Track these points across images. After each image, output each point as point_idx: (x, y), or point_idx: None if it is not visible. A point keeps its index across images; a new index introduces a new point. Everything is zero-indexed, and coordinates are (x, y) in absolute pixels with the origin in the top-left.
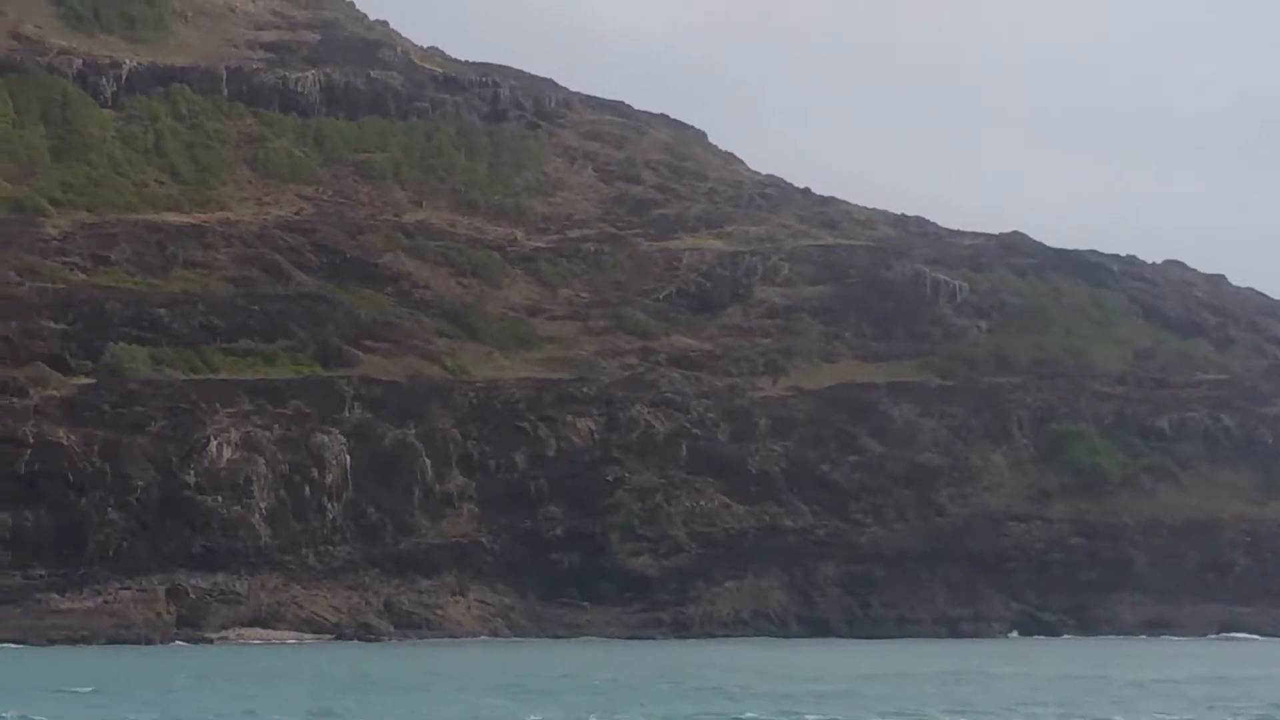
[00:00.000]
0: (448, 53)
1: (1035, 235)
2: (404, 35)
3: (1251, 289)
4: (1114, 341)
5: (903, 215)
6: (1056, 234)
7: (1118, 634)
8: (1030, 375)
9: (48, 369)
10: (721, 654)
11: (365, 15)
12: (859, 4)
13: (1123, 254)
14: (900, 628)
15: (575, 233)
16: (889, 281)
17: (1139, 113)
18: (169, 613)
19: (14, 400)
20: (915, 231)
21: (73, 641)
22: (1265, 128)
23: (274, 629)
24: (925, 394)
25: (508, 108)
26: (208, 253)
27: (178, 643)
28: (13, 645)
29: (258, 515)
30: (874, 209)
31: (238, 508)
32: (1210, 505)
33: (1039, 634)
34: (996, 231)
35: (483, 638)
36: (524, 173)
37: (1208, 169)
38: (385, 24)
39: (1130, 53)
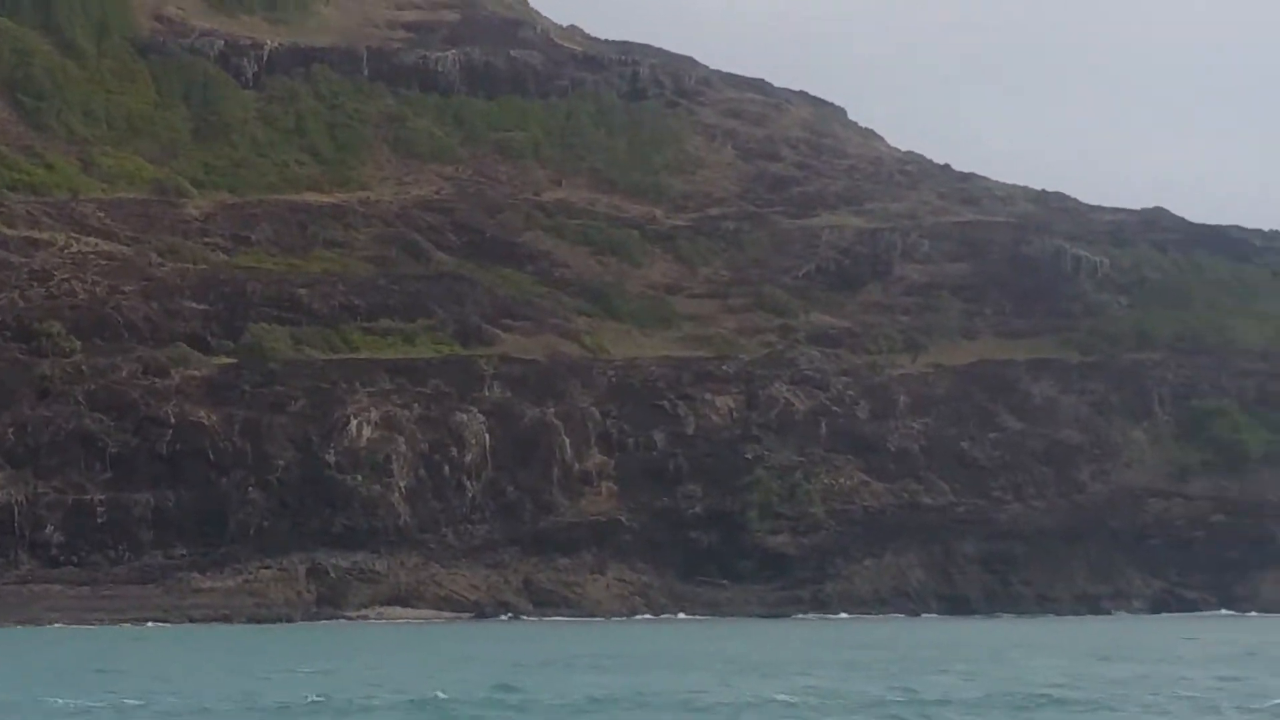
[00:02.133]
0: (587, 31)
1: (1177, 210)
2: (543, 14)
3: None
4: (1257, 317)
5: (1043, 191)
6: (1198, 209)
7: (1260, 611)
8: (1172, 351)
9: (189, 349)
10: (895, 631)
11: None
12: None
13: (1266, 229)
14: (1040, 605)
15: (715, 210)
16: (1029, 258)
17: None
18: (309, 592)
19: (156, 380)
20: (1056, 207)
21: (213, 620)
22: None
23: (413, 607)
24: (1066, 371)
25: (647, 86)
26: (348, 232)
27: (320, 621)
28: (154, 625)
29: (397, 494)
30: (1014, 185)
31: (377, 487)
32: None
33: (1178, 611)
34: (1138, 207)
35: (621, 617)
36: (663, 151)
37: None
38: (525, 3)
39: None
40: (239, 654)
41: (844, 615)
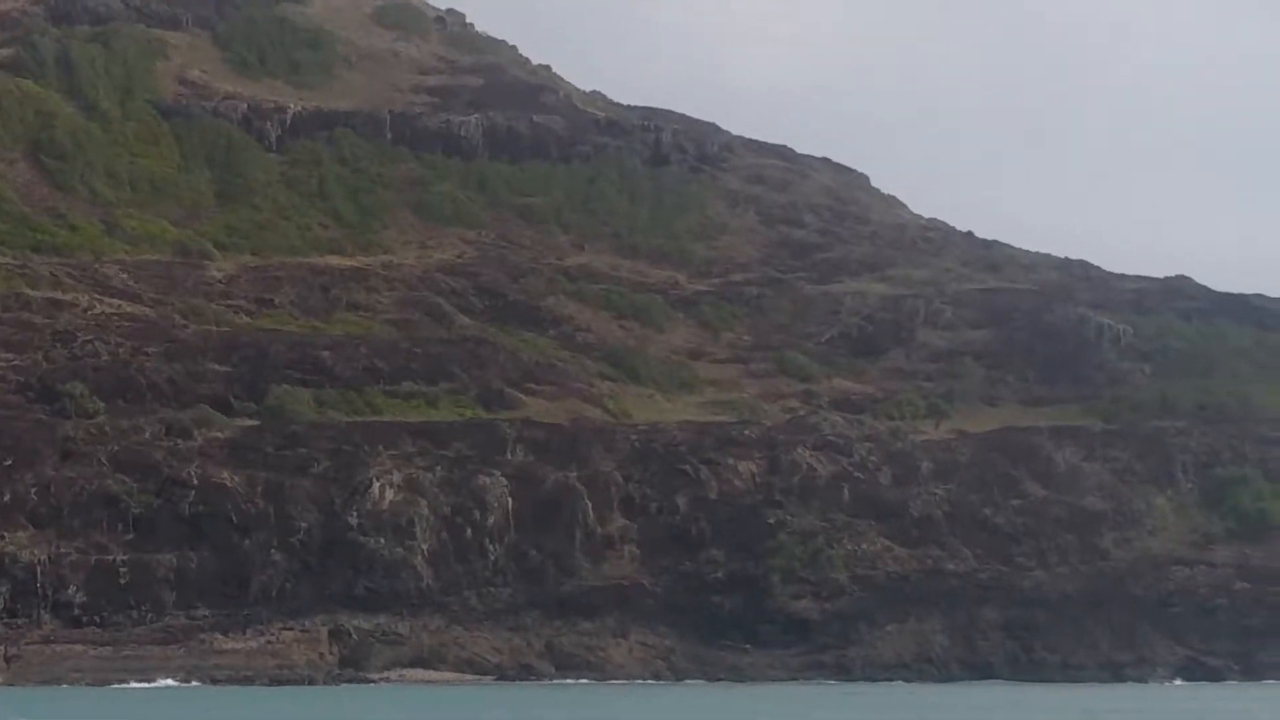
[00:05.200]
0: (610, 97)
1: (1200, 279)
2: (566, 79)
3: None
4: None
5: (1066, 259)
6: (1222, 277)
7: None
8: (1195, 420)
9: (212, 411)
10: (935, 697)
11: (528, 60)
12: (1015, 51)
13: None
14: (1063, 672)
15: (737, 276)
16: (1052, 325)
17: None
18: (331, 653)
19: (178, 442)
20: (1079, 275)
21: (235, 682)
22: None
23: (436, 669)
24: (1089, 438)
25: (670, 152)
26: (370, 296)
27: (342, 684)
28: (176, 685)
29: (420, 557)
30: (1037, 252)
31: (400, 549)
32: None
33: (1202, 679)
34: (1161, 275)
35: (644, 681)
36: (686, 216)
37: None
38: (548, 68)
39: None
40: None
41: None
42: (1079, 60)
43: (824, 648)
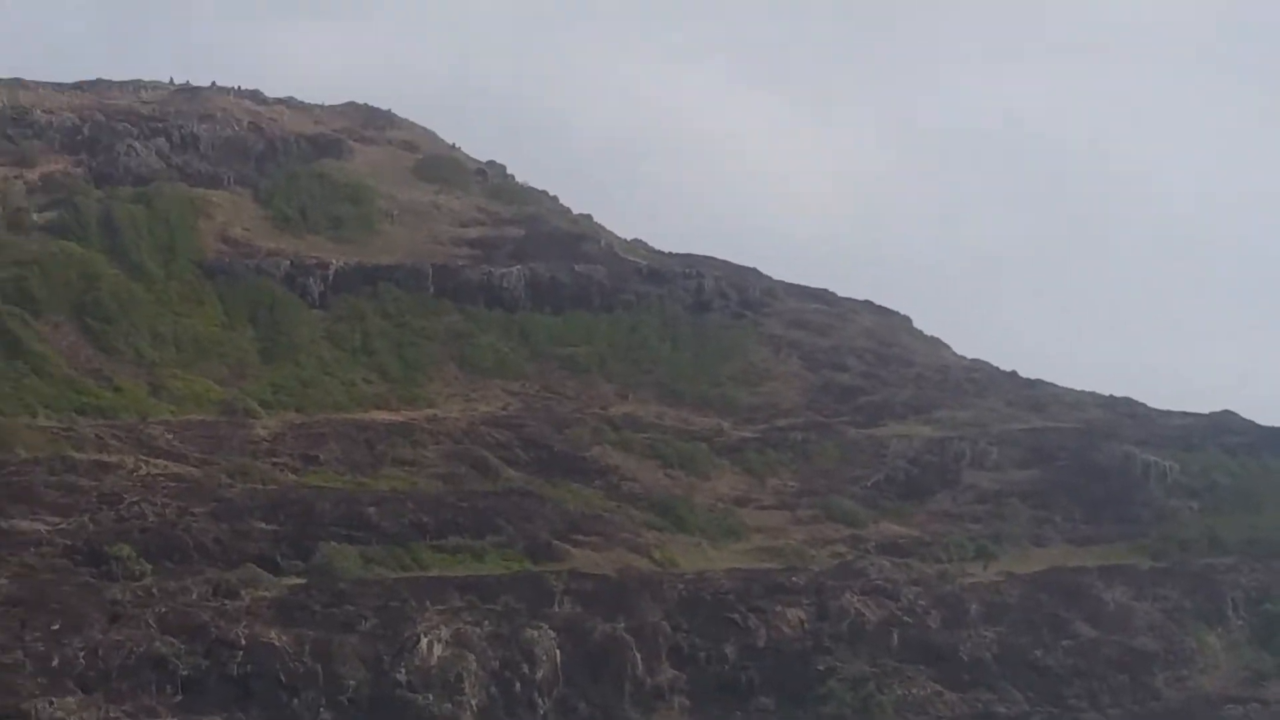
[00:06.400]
0: (651, 244)
1: (1246, 414)
2: (607, 228)
3: None
4: None
5: (1111, 396)
6: (1268, 412)
7: None
8: (1244, 555)
9: (259, 570)
10: None
11: (569, 209)
12: (1054, 188)
13: None
14: None
15: (782, 421)
16: (1098, 464)
17: None
18: None
19: (226, 602)
20: (1124, 412)
21: None
22: None
23: None
24: (1138, 576)
25: (712, 298)
26: (416, 450)
27: None
28: None
29: (469, 712)
30: (1082, 391)
31: (449, 705)
32: None
33: None
34: (1206, 411)
35: None
36: (730, 363)
37: None
38: (589, 217)
39: None
40: None
41: None
42: (1117, 197)
43: None
